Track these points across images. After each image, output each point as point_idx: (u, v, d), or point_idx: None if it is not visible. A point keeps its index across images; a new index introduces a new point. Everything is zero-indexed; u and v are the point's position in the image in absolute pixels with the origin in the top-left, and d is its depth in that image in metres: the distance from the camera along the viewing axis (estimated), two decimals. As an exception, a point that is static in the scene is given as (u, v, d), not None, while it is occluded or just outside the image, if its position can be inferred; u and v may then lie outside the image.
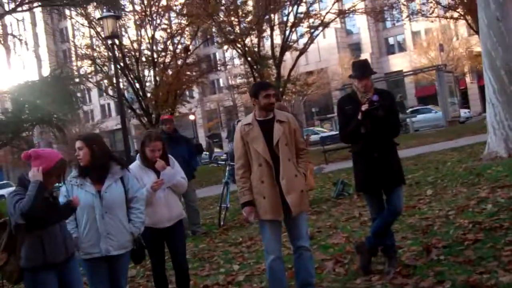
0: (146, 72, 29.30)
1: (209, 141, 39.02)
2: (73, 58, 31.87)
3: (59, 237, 4.28)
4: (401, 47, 55.08)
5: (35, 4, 15.85)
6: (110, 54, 21.92)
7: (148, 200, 5.15)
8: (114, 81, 21.40)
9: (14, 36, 19.57)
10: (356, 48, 54.35)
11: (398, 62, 52.01)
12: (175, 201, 5.53)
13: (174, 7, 28.10)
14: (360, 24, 53.24)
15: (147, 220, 5.07)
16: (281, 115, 5.01)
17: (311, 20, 26.52)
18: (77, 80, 24.12)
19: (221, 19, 25.47)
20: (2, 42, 24.88)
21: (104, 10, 15.52)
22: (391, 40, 56.42)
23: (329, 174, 14.40)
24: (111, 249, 4.59)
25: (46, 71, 36.06)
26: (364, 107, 5.20)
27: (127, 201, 4.73)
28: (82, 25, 28.75)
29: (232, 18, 25.37)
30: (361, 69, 5.41)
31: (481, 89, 36.75)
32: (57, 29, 52.32)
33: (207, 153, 36.12)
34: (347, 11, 28.35)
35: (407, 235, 6.53)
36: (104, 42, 25.22)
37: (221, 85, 58.35)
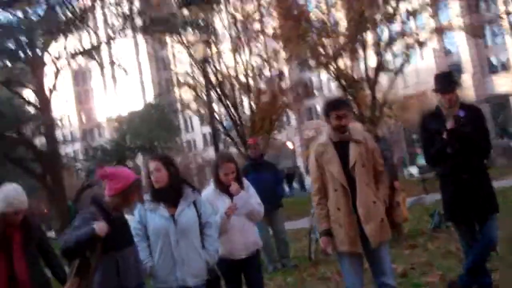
0: (242, 98, 29.56)
1: (300, 172, 38.78)
2: (175, 86, 32.67)
3: (132, 261, 4.15)
4: (505, 66, 52.21)
5: (133, 32, 16.47)
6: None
7: (223, 227, 4.92)
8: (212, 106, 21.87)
9: (117, 65, 20.48)
10: (456, 68, 52.09)
11: (502, 82, 49.18)
12: (251, 229, 5.23)
13: (266, 30, 28.29)
14: (460, 43, 51.11)
15: (222, 250, 4.85)
16: (357, 134, 4.62)
17: (405, 39, 25.68)
18: (175, 108, 24.84)
19: (313, 41, 25.26)
20: (110, 71, 26.13)
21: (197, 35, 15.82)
22: (493, 59, 53.64)
23: (427, 205, 13.58)
24: (187, 278, 4.35)
25: (149, 99, 37.48)
26: (449, 125, 4.70)
27: (200, 227, 4.50)
28: (179, 52, 29.63)
29: (324, 40, 25.08)
30: (445, 82, 4.90)
31: None
32: (158, 57, 54.54)
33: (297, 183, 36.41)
34: (443, 29, 27.15)
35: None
36: (199, 68, 25.66)
37: (318, 111, 58.06)
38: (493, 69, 53.25)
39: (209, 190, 5.19)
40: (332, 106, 4.63)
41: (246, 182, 5.28)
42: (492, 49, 51.92)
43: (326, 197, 4.59)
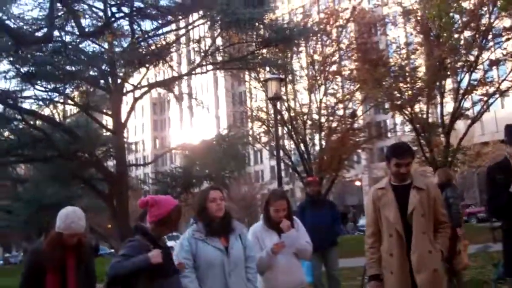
0: (312, 135, 29.58)
1: (354, 211, 38.70)
2: (249, 120, 33.29)
3: None
4: None
5: (211, 67, 16.94)
6: (278, 116, 22.53)
7: (268, 263, 4.82)
8: (280, 140, 21.95)
9: (194, 98, 21.07)
10: (535, 121, 49.79)
11: None
12: (297, 267, 5.07)
13: (343, 72, 28.30)
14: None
15: (265, 286, 4.81)
16: (419, 181, 4.48)
17: (486, 88, 24.81)
18: (245, 140, 25.17)
19: (389, 85, 24.91)
20: (188, 102, 26.85)
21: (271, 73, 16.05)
22: None
23: (493, 254, 13.00)
24: None
25: (222, 130, 38.30)
26: None
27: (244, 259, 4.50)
28: (255, 88, 30.17)
29: (401, 84, 24.70)
30: None
31: None
32: (235, 92, 55.91)
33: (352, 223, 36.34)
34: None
35: None
36: (272, 104, 26.04)
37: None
38: None
39: (258, 225, 5.13)
40: (394, 152, 4.53)
41: (297, 221, 5.18)
42: None
43: (379, 242, 4.48)
